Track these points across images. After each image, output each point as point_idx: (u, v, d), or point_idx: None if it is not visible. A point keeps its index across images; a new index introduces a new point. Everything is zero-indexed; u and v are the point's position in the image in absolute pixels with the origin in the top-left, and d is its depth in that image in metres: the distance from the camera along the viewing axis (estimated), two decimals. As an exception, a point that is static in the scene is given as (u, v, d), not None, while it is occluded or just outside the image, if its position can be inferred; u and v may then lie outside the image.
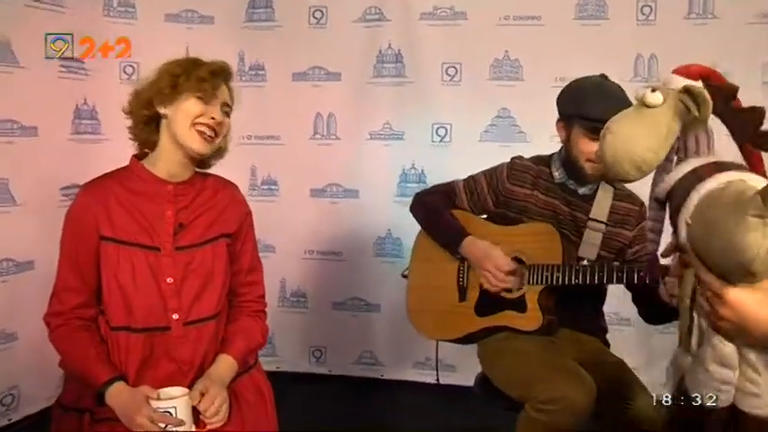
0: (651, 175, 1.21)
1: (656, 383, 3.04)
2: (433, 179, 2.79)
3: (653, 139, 1.12)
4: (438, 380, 2.66)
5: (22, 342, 2.85)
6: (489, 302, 2.11)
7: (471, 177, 2.23)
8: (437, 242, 2.21)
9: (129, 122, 1.71)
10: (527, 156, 2.22)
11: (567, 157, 2.09)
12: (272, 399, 1.78)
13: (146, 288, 1.60)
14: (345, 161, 3.50)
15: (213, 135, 1.64)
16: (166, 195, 1.66)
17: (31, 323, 2.67)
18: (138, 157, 1.71)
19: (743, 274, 1.04)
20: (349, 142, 3.48)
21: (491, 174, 2.20)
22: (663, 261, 1.33)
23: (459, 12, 3.32)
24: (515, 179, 2.15)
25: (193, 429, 1.53)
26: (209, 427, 1.56)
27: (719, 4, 3.09)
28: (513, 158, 2.20)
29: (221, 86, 1.67)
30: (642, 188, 1.42)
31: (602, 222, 2.09)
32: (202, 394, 1.55)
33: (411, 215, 2.30)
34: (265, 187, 3.58)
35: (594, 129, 1.81)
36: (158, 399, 1.52)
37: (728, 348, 1.13)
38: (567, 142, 2.07)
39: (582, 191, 2.12)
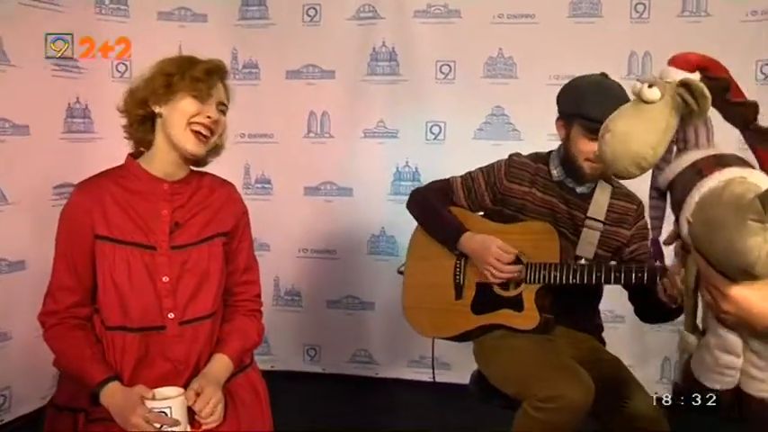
0: (650, 171, 1.21)
1: (650, 380, 3.11)
2: (427, 177, 2.79)
3: (651, 135, 1.11)
4: (434, 378, 2.65)
5: (15, 342, 2.83)
6: (486, 300, 2.11)
7: (469, 174, 2.22)
8: (435, 239, 2.20)
9: (123, 121, 1.69)
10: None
11: (565, 156, 2.08)
12: (268, 398, 1.77)
13: (141, 287, 1.59)
14: (339, 159, 3.50)
15: (209, 135, 1.63)
16: (162, 194, 1.65)
17: (23, 323, 2.67)
18: (134, 155, 1.70)
19: (744, 275, 1.04)
20: (343, 140, 3.48)
21: (489, 171, 2.19)
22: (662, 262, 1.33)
23: (453, 10, 3.32)
24: (513, 176, 2.15)
25: (189, 430, 1.52)
26: (204, 427, 1.55)
27: (713, 1, 3.10)
28: (511, 155, 2.19)
29: (217, 85, 1.65)
30: (641, 186, 1.42)
31: (599, 221, 2.09)
32: (198, 394, 1.54)
33: (405, 213, 2.29)
34: (259, 186, 3.58)
35: (594, 129, 1.81)
36: (153, 399, 1.51)
37: (732, 336, 1.14)
38: (566, 141, 2.07)
39: (580, 189, 2.11)
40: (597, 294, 2.21)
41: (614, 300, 2.30)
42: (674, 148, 1.21)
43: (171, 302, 1.61)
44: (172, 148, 1.64)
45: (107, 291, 1.59)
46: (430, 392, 3.16)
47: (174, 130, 1.61)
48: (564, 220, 2.11)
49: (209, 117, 1.61)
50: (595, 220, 2.09)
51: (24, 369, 2.83)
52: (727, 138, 1.23)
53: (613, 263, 2.10)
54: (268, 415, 1.75)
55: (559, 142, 2.13)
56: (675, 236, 1.20)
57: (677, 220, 1.16)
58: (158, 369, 1.61)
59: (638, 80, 1.15)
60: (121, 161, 1.70)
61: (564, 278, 1.98)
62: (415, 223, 2.29)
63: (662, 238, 1.29)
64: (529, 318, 2.05)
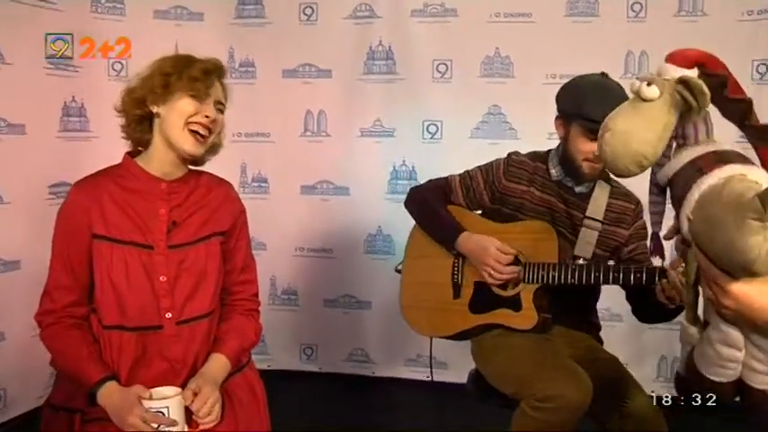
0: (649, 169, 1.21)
1: (647, 379, 3.11)
2: (424, 176, 2.79)
3: (651, 133, 1.11)
4: (431, 377, 2.65)
5: (10, 342, 2.82)
6: (484, 300, 2.11)
7: (467, 173, 2.22)
8: (432, 238, 2.20)
9: (119, 120, 1.68)
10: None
11: (564, 155, 2.08)
12: (265, 398, 1.77)
13: (139, 287, 1.58)
14: (336, 158, 3.50)
15: (207, 134, 1.62)
16: (160, 193, 1.64)
17: (18, 323, 2.67)
18: (132, 154, 1.69)
19: (744, 272, 1.04)
20: (339, 139, 3.48)
21: (487, 170, 2.18)
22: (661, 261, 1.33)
23: (449, 9, 3.32)
24: (512, 175, 2.14)
25: (186, 429, 1.52)
26: (201, 427, 1.54)
27: (709, 1, 3.10)
28: (509, 154, 2.19)
29: (215, 84, 1.65)
30: (640, 185, 1.42)
31: (598, 221, 2.09)
32: (195, 394, 1.54)
33: (402, 212, 2.29)
34: (256, 185, 3.57)
35: (594, 129, 1.80)
36: (151, 398, 1.50)
37: (734, 330, 1.15)
38: (565, 140, 2.06)
39: (579, 189, 2.11)
40: (595, 294, 2.21)
41: (611, 298, 2.30)
42: (674, 144, 1.21)
43: (168, 302, 1.60)
44: (169, 148, 1.63)
45: (104, 290, 1.58)
46: (427, 392, 3.17)
47: (172, 130, 1.60)
48: (562, 219, 2.11)
49: (207, 117, 1.61)
50: (594, 219, 2.09)
51: (19, 369, 2.82)
52: (725, 133, 1.23)
53: (612, 263, 2.10)
54: (265, 414, 1.75)
55: (557, 141, 2.13)
56: (676, 231, 1.20)
57: (678, 216, 1.16)
58: (156, 368, 1.60)
59: (636, 78, 1.15)
60: (117, 160, 1.69)
61: (562, 278, 1.98)
62: (412, 222, 2.28)
63: (662, 233, 1.29)
64: (527, 317, 2.04)
